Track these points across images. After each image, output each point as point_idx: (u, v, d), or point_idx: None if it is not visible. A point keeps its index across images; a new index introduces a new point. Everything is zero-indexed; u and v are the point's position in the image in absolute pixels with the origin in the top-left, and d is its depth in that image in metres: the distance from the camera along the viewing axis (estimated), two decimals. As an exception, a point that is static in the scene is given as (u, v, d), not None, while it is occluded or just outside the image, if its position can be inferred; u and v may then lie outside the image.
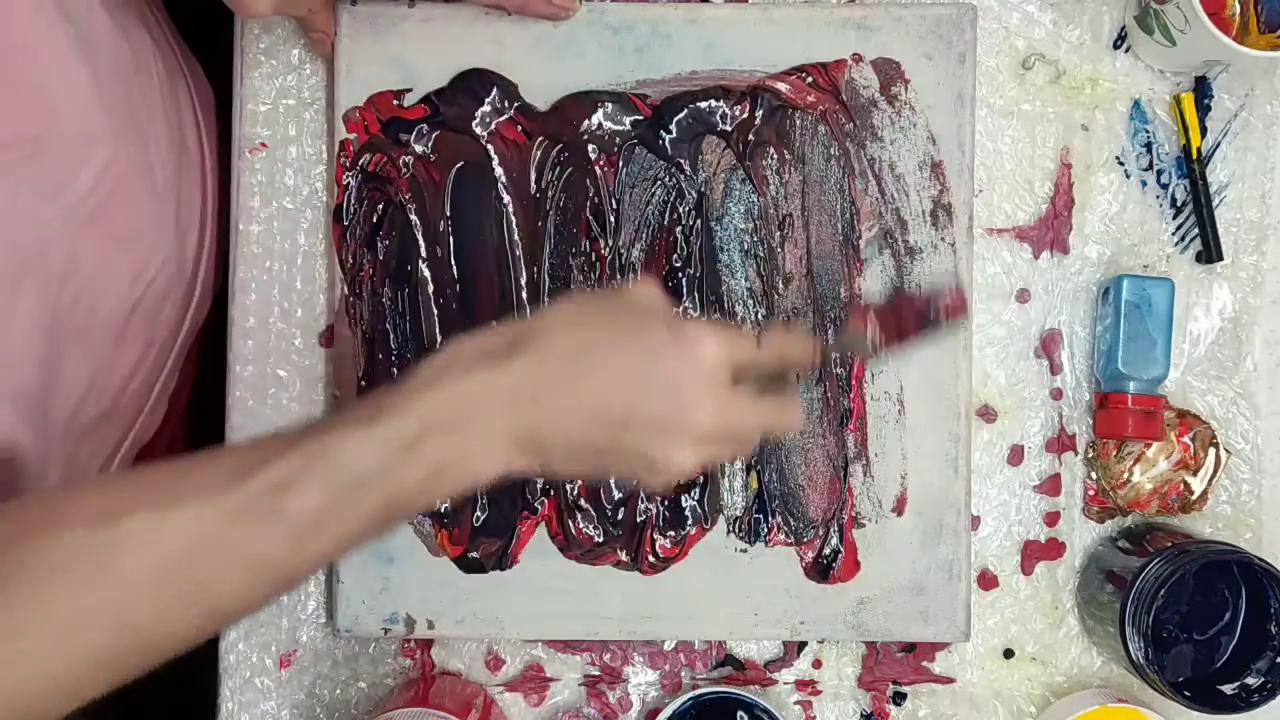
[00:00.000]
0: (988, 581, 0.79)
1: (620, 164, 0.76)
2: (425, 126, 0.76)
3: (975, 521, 0.78)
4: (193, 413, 0.90)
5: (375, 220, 0.76)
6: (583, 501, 0.76)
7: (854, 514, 0.77)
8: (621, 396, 0.57)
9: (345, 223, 0.77)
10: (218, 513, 0.52)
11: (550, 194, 0.77)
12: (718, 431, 0.58)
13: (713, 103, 0.76)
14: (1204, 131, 0.79)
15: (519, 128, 0.76)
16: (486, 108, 0.76)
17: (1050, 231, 0.79)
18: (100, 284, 0.66)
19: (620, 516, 0.76)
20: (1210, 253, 0.78)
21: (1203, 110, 0.79)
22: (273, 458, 0.53)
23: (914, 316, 0.63)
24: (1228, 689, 0.72)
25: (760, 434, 0.62)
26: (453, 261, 0.76)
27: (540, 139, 0.77)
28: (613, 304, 0.60)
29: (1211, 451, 0.78)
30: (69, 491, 0.56)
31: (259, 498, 0.52)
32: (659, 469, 0.59)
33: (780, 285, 0.77)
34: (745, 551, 0.77)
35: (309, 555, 0.54)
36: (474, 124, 0.76)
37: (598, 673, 0.78)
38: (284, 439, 0.55)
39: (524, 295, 0.76)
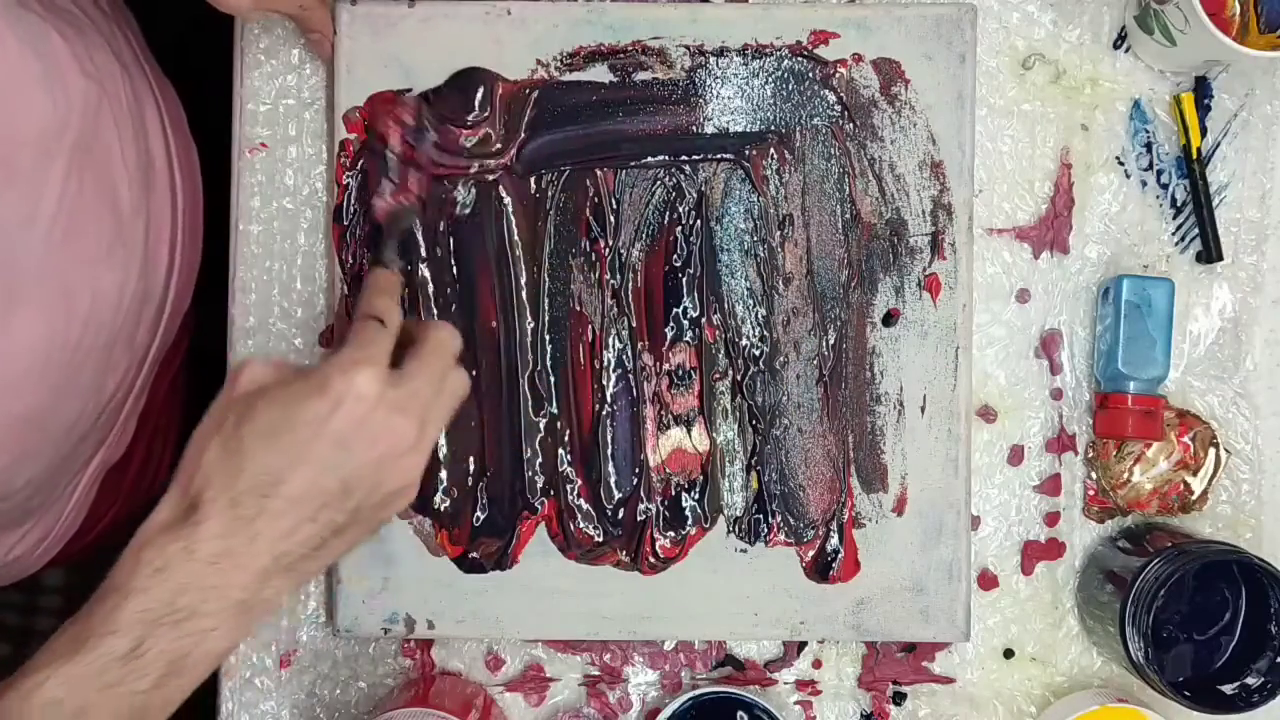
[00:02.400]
0: (988, 581, 0.79)
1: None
2: (425, 126, 0.76)
3: (975, 521, 0.78)
4: (185, 424, 0.90)
5: (375, 220, 0.76)
6: (583, 502, 0.76)
7: (854, 514, 0.77)
8: (321, 480, 0.57)
9: (345, 223, 0.77)
10: None
11: (550, 194, 0.77)
12: (419, 419, 0.59)
13: (713, 103, 0.77)
14: (1204, 131, 0.79)
15: (519, 128, 0.77)
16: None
17: (1050, 231, 0.79)
18: (91, 303, 0.65)
19: (620, 516, 0.76)
20: (1210, 253, 0.78)
21: (1203, 110, 0.79)
22: None
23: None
24: (1228, 689, 0.72)
25: (443, 375, 0.62)
26: (453, 261, 0.76)
27: (540, 139, 0.77)
28: (245, 409, 0.58)
29: (1211, 451, 0.78)
30: None
31: None
32: (401, 496, 0.60)
33: (780, 285, 0.77)
34: (745, 551, 0.77)
35: None
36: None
37: (598, 673, 0.78)
38: (2, 685, 0.53)
39: (524, 295, 0.76)
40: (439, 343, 0.63)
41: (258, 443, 0.56)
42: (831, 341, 0.76)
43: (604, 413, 0.76)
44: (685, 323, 0.77)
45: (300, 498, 0.56)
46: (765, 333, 0.76)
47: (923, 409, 0.77)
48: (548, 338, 0.77)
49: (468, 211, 0.76)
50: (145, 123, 0.72)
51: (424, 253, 0.76)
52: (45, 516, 0.74)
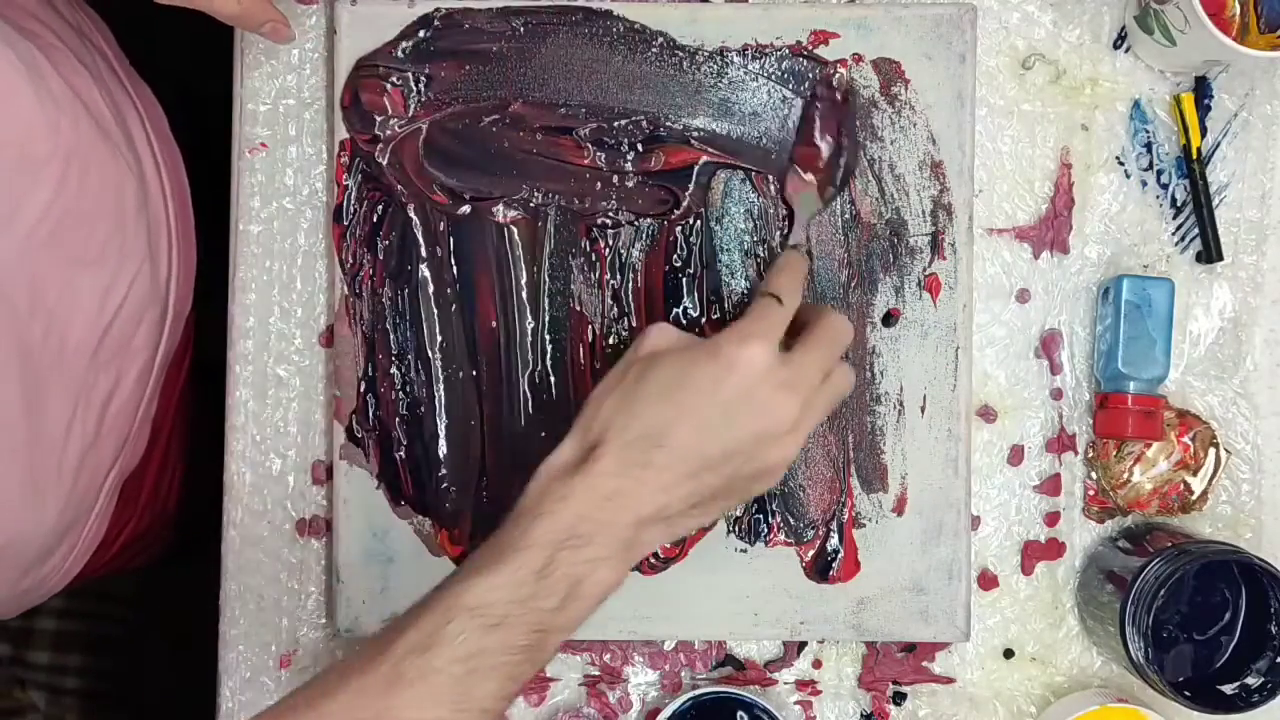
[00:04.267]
0: (988, 581, 0.79)
1: (620, 164, 0.77)
2: (425, 126, 0.76)
3: (975, 521, 0.78)
4: (192, 433, 0.90)
5: (375, 220, 0.76)
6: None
7: (854, 514, 0.77)
8: (705, 443, 0.61)
9: (345, 223, 0.77)
10: (373, 688, 0.54)
11: (550, 193, 0.77)
12: (803, 403, 0.62)
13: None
14: (1204, 131, 0.79)
15: (519, 128, 0.77)
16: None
17: (1050, 231, 0.79)
18: (67, 309, 0.65)
19: (620, 516, 0.76)
20: (1210, 253, 0.78)
21: (1203, 110, 0.79)
22: (408, 625, 0.56)
23: (831, 120, 0.66)
24: (1228, 689, 0.72)
25: (831, 365, 0.65)
26: (453, 261, 0.76)
27: (540, 139, 0.77)
28: (644, 368, 0.62)
29: (1211, 451, 0.78)
30: None
31: (404, 663, 0.54)
32: (772, 474, 0.63)
33: (780, 285, 0.77)
34: (745, 551, 0.77)
35: (478, 702, 0.56)
36: (474, 124, 0.76)
37: (598, 673, 0.78)
38: (415, 607, 0.57)
39: (524, 295, 0.76)
40: (832, 331, 0.65)
41: (651, 397, 0.61)
42: (831, 341, 0.76)
43: (604, 413, 0.76)
44: (685, 323, 0.77)
45: (683, 453, 0.60)
46: (765, 333, 0.76)
47: (923, 409, 0.77)
48: (548, 338, 0.77)
49: (468, 211, 0.76)
50: (129, 127, 0.72)
51: (424, 253, 0.76)
52: (71, 533, 0.74)
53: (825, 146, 0.72)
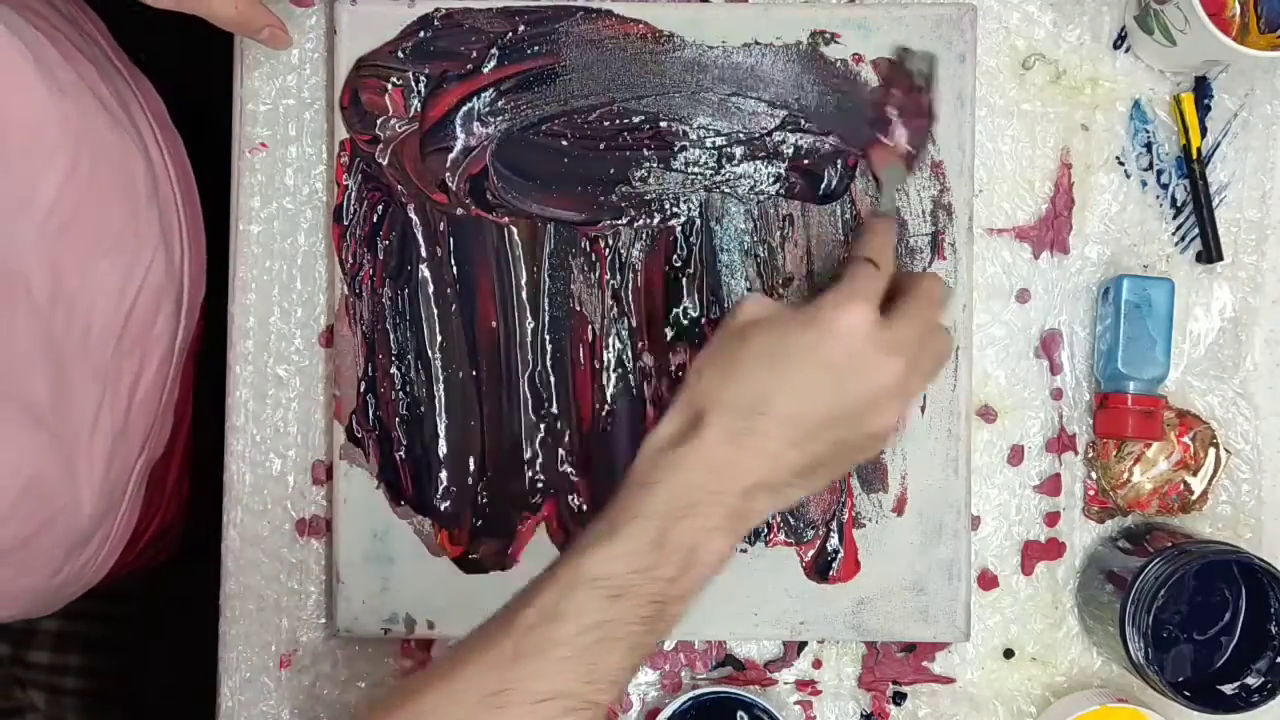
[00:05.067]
0: (988, 581, 0.79)
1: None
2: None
3: (975, 521, 0.78)
4: (195, 427, 0.90)
5: (375, 220, 0.76)
6: (583, 502, 0.76)
7: (854, 514, 0.77)
8: (812, 410, 0.60)
9: (345, 223, 0.77)
10: (499, 662, 0.54)
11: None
12: (907, 365, 0.61)
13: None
14: (1204, 131, 0.79)
15: (519, 128, 0.77)
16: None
17: (1050, 231, 0.79)
18: (89, 296, 0.66)
19: (620, 516, 0.76)
20: (1210, 253, 0.78)
21: (1203, 110, 0.79)
22: (532, 597, 0.56)
23: (905, 94, 0.65)
24: (1228, 689, 0.72)
25: (932, 328, 0.64)
26: (453, 261, 0.76)
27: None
28: (741, 336, 0.62)
29: (1211, 451, 0.78)
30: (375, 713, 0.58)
31: (530, 636, 0.55)
32: (878, 441, 0.63)
33: (780, 285, 0.77)
34: (745, 551, 0.77)
35: (604, 673, 0.56)
36: (474, 124, 0.77)
37: (598, 673, 0.78)
38: (534, 582, 0.57)
39: (524, 295, 0.76)
40: (930, 293, 0.65)
41: (751, 366, 0.60)
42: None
43: (604, 413, 0.76)
44: (685, 323, 0.77)
45: (787, 420, 0.59)
46: (765, 333, 0.76)
47: (923, 409, 0.77)
48: (548, 338, 0.77)
49: (468, 211, 0.76)
50: (133, 114, 0.72)
51: (424, 253, 0.76)
52: (105, 523, 0.74)
53: (909, 128, 0.71)
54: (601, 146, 0.76)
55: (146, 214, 0.70)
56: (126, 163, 0.69)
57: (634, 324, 0.77)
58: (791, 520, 0.76)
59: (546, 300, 0.76)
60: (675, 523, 0.57)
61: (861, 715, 0.78)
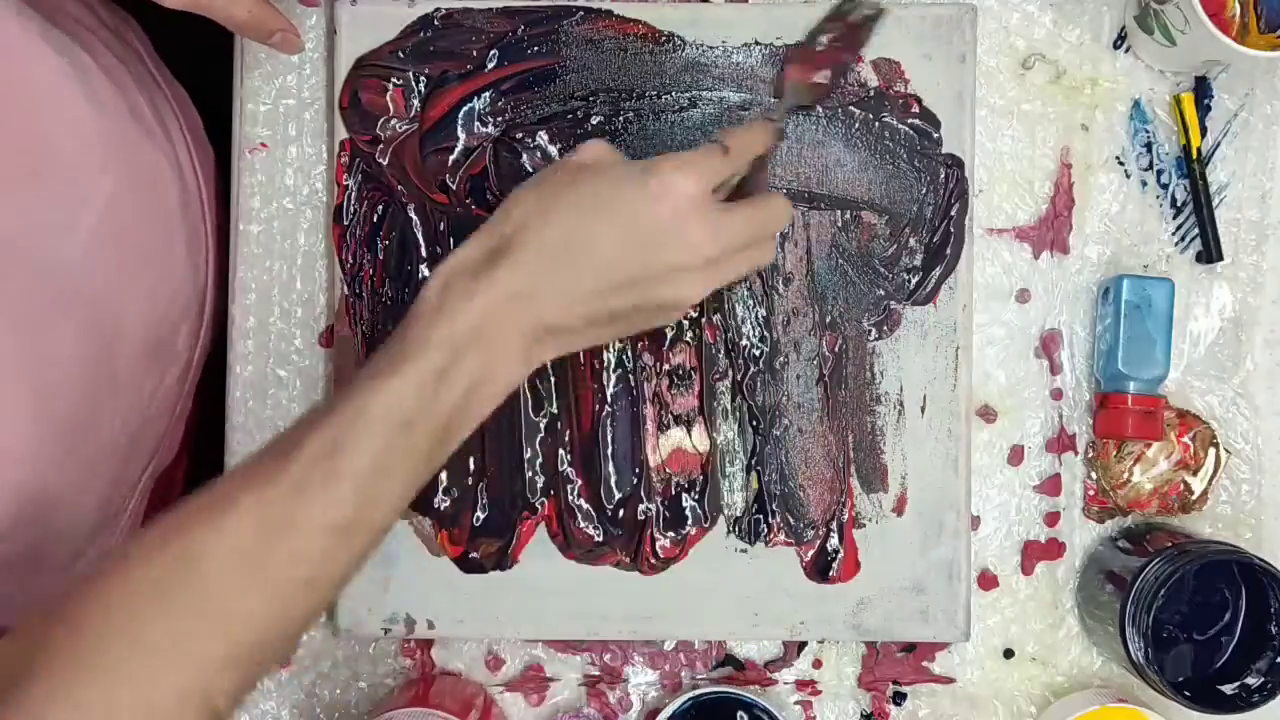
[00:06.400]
0: (988, 581, 0.79)
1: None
2: (425, 126, 0.76)
3: (975, 521, 0.78)
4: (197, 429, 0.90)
5: (375, 220, 0.76)
6: (583, 502, 0.76)
7: (854, 514, 0.77)
8: (619, 261, 0.59)
9: (345, 223, 0.77)
10: (277, 495, 0.53)
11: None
12: (720, 251, 0.60)
13: (713, 103, 0.77)
14: (1204, 131, 0.79)
15: (519, 128, 0.77)
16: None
17: (1050, 231, 0.79)
18: (122, 311, 0.66)
19: (620, 516, 0.76)
20: (1210, 253, 0.78)
21: (1203, 110, 0.79)
22: (314, 429, 0.55)
23: (843, 28, 0.65)
24: (1228, 689, 0.72)
25: (759, 236, 0.63)
26: (453, 261, 0.76)
27: (540, 139, 0.77)
28: (572, 176, 0.61)
29: (1211, 451, 0.78)
30: (124, 545, 0.57)
31: (312, 467, 0.54)
32: (670, 312, 0.62)
33: (780, 285, 0.77)
34: (745, 551, 0.77)
35: (384, 505, 0.56)
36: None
37: (598, 673, 0.78)
38: (318, 410, 0.56)
39: (524, 295, 0.76)
40: (770, 208, 0.64)
41: (576, 207, 0.59)
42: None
43: (604, 413, 0.76)
44: (685, 323, 0.77)
45: (598, 268, 0.59)
46: (765, 333, 0.76)
47: (923, 409, 0.77)
48: (548, 338, 0.76)
49: (468, 210, 0.76)
50: (168, 128, 0.72)
51: (424, 253, 0.76)
52: (104, 533, 0.74)
53: (835, 61, 0.70)
54: (601, 146, 0.76)
55: (178, 228, 0.71)
56: (161, 181, 0.69)
57: (634, 324, 0.77)
58: (791, 520, 0.76)
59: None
60: (465, 352, 0.57)
61: (861, 715, 0.78)
